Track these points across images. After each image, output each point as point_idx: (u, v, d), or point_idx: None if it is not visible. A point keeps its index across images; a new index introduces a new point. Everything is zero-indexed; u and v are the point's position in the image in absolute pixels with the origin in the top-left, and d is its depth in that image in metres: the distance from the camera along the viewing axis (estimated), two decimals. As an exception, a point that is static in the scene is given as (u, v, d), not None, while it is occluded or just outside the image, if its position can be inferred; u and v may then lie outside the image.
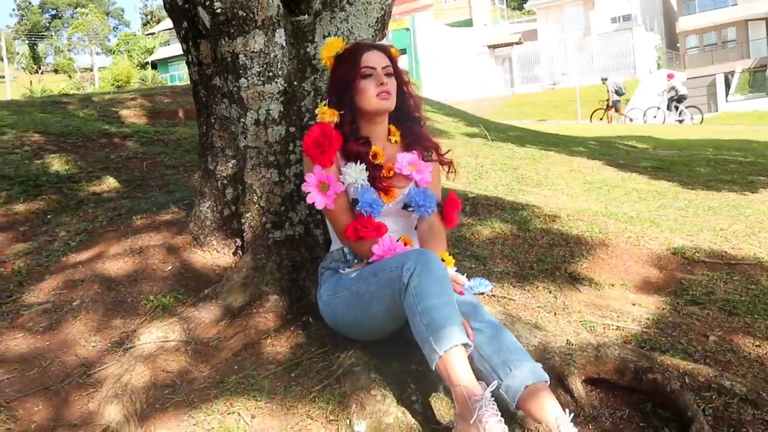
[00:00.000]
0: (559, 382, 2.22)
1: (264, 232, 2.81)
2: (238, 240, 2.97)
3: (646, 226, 3.79)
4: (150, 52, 46.12)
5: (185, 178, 4.45)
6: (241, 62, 2.73)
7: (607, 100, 20.19)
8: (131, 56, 45.00)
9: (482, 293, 2.64)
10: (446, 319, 1.94)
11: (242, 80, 2.75)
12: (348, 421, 2.02)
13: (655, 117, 19.92)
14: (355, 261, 2.37)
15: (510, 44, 36.12)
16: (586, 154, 7.31)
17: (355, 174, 2.31)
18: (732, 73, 32.20)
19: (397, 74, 2.40)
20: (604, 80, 20.90)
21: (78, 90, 30.37)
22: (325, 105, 2.37)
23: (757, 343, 2.49)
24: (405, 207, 2.41)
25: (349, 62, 2.35)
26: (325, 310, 2.39)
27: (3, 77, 43.55)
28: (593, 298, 2.88)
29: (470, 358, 2.01)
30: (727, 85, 30.70)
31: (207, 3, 2.67)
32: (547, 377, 1.99)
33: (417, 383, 2.19)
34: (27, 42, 63.25)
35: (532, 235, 3.49)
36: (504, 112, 26.63)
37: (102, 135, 5.57)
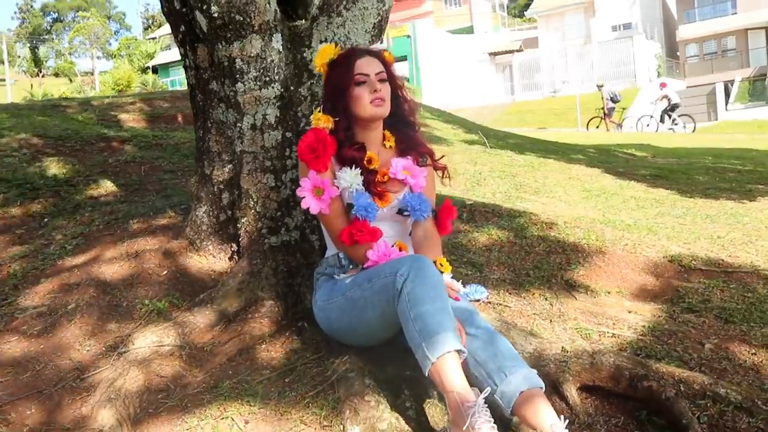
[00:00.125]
0: (554, 390, 2.22)
1: (260, 237, 2.81)
2: (234, 245, 2.97)
3: (643, 233, 3.79)
4: (151, 56, 46.12)
5: (183, 183, 4.45)
6: (237, 67, 2.73)
7: (603, 107, 20.23)
8: (132, 60, 45.03)
9: (478, 300, 2.63)
10: (439, 326, 1.94)
11: (239, 85, 2.75)
12: (342, 426, 2.02)
13: (648, 125, 19.94)
14: (350, 266, 2.37)
15: (511, 52, 36.21)
16: (585, 161, 7.31)
17: (350, 178, 2.31)
18: (732, 81, 32.25)
19: (391, 79, 2.40)
20: (600, 87, 20.95)
21: (79, 94, 30.42)
22: (319, 111, 2.37)
23: (753, 350, 2.48)
24: (400, 212, 2.41)
25: (342, 69, 2.35)
26: (320, 316, 2.39)
27: (4, 80, 43.66)
28: (589, 306, 2.87)
29: (465, 364, 2.01)
30: (727, 94, 30.74)
31: (204, 7, 2.67)
32: (542, 383, 1.99)
33: (411, 389, 2.19)
34: (28, 45, 63.35)
35: (528, 243, 3.49)
36: (504, 119, 26.66)
37: (100, 139, 5.56)
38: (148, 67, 44.19)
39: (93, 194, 4.16)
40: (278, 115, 2.79)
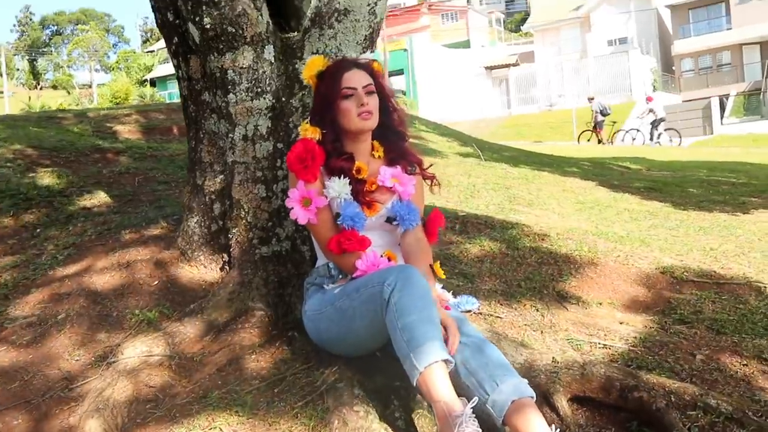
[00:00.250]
0: (544, 400, 2.21)
1: (251, 248, 2.81)
2: (225, 255, 2.96)
3: (636, 245, 3.79)
4: (149, 69, 46.27)
5: (177, 194, 4.44)
6: (229, 78, 2.74)
7: (592, 120, 20.33)
8: (130, 73, 45.16)
9: (469, 311, 2.63)
10: (426, 335, 1.94)
11: (231, 96, 2.76)
12: (330, 437, 2.01)
13: (634, 139, 20.04)
14: (340, 276, 2.37)
15: (507, 66, 36.39)
16: (580, 174, 7.33)
17: (339, 188, 2.31)
18: (727, 96, 32.44)
19: (380, 89, 2.41)
20: (590, 100, 21.06)
21: (77, 106, 30.44)
22: (307, 123, 2.38)
23: (744, 362, 2.48)
24: (389, 221, 2.41)
25: (330, 82, 2.35)
26: (309, 326, 2.39)
27: (2, 92, 43.67)
28: (580, 317, 2.87)
29: (456, 373, 2.01)
30: (722, 108, 30.90)
31: (197, 19, 2.68)
32: (533, 393, 1.98)
33: (400, 399, 2.18)
34: (27, 58, 63.48)
35: (520, 254, 3.49)
36: (501, 133, 26.75)
37: (95, 150, 5.57)
38: (146, 80, 44.30)
39: (86, 205, 4.15)
40: (270, 125, 2.79)
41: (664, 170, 8.65)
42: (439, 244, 3.40)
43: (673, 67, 36.72)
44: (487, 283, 3.14)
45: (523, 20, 47.57)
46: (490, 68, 36.50)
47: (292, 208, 2.31)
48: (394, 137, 2.50)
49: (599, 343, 2.62)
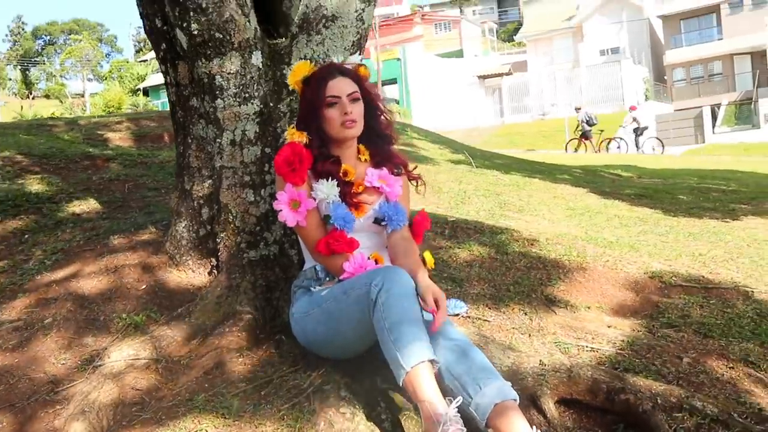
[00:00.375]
0: (531, 403, 2.22)
1: (239, 252, 2.81)
2: (214, 259, 2.96)
3: (624, 250, 3.80)
4: (142, 78, 46.17)
5: (166, 200, 4.43)
6: (217, 83, 2.74)
7: (578, 129, 20.41)
8: (123, 82, 45.08)
9: (457, 314, 2.64)
10: (413, 336, 1.95)
11: (218, 101, 2.77)
12: (316, 439, 2.01)
13: (618, 147, 20.13)
14: (327, 279, 2.37)
15: (500, 75, 36.49)
16: (571, 181, 7.34)
17: (327, 190, 2.32)
18: (718, 105, 32.64)
19: (366, 94, 2.42)
20: (577, 110, 21.15)
21: (69, 116, 30.35)
22: (293, 128, 2.39)
23: (731, 365, 2.49)
24: (377, 221, 2.42)
25: (315, 89, 2.36)
26: (296, 328, 2.39)
27: (-6, 102, 43.55)
28: (568, 321, 2.87)
29: (441, 377, 2.01)
30: (714, 117, 31.08)
31: (185, 25, 2.68)
32: (516, 395, 1.98)
33: (387, 402, 2.18)
34: (19, 67, 63.33)
35: (509, 259, 3.49)
36: (493, 141, 26.80)
37: (85, 157, 5.55)
38: (139, 89, 44.23)
39: (75, 211, 4.14)
40: (257, 130, 2.80)
41: (655, 178, 8.68)
42: (428, 249, 3.40)
43: (665, 77, 36.92)
44: (475, 287, 3.15)
45: (516, 30, 47.78)
46: (483, 77, 36.61)
47: (281, 210, 2.31)
48: (380, 141, 2.51)
49: (587, 347, 2.62)
